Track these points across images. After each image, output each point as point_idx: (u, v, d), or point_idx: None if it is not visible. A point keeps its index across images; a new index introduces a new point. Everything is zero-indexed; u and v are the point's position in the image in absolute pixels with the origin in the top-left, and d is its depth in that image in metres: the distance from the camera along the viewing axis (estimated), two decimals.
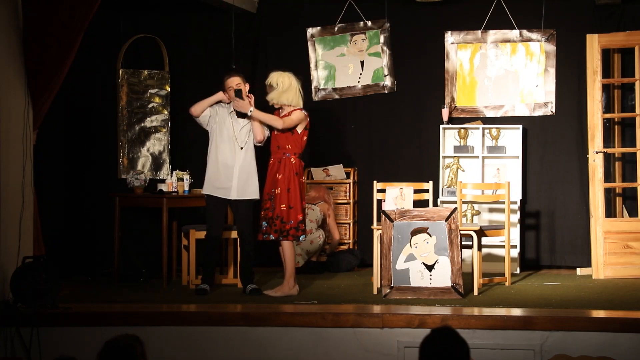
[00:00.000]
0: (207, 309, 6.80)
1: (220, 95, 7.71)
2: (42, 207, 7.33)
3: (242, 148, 7.65)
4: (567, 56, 9.32)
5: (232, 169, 7.64)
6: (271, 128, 7.59)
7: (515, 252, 9.02)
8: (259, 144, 7.71)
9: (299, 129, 7.55)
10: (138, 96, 9.25)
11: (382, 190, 8.00)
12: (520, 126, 9.31)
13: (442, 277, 7.24)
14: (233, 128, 7.66)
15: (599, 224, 8.66)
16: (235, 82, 7.65)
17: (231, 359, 6.45)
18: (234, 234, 8.14)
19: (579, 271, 8.89)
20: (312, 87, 9.76)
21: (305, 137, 7.59)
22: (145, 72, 9.30)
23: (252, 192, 7.67)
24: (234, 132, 7.65)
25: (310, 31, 9.79)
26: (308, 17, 9.79)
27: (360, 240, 9.41)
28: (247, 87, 7.70)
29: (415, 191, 8.04)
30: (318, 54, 9.79)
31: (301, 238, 7.55)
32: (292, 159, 7.52)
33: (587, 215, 8.97)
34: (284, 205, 7.45)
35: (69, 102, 9.22)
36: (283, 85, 7.54)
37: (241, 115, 7.67)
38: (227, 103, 7.73)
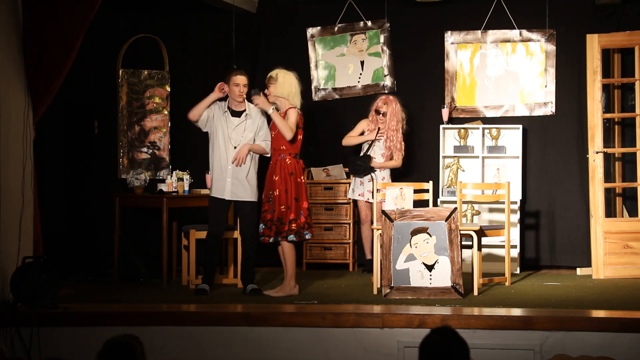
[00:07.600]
0: (207, 309, 6.80)
1: (215, 95, 7.69)
2: (42, 207, 7.32)
3: (235, 147, 7.65)
4: (567, 56, 9.32)
5: (226, 168, 7.64)
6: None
7: (515, 252, 9.02)
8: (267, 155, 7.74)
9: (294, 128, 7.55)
10: (138, 96, 9.25)
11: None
12: (520, 126, 9.31)
13: (442, 277, 7.24)
14: (227, 127, 7.67)
15: (599, 224, 8.65)
16: (242, 81, 7.66)
17: (231, 359, 6.45)
18: (235, 234, 8.14)
19: (579, 271, 8.88)
20: (312, 87, 9.76)
21: (300, 137, 7.57)
22: (145, 72, 9.29)
23: (247, 194, 7.66)
24: (227, 131, 7.66)
25: (310, 31, 9.79)
26: (308, 17, 9.79)
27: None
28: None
29: (415, 191, 8.03)
30: (318, 54, 9.79)
31: (307, 236, 7.53)
32: (287, 160, 7.50)
33: (587, 215, 8.96)
34: (283, 206, 7.44)
35: (69, 102, 9.21)
36: (284, 80, 7.53)
37: (235, 114, 7.68)
38: (223, 100, 7.72)
